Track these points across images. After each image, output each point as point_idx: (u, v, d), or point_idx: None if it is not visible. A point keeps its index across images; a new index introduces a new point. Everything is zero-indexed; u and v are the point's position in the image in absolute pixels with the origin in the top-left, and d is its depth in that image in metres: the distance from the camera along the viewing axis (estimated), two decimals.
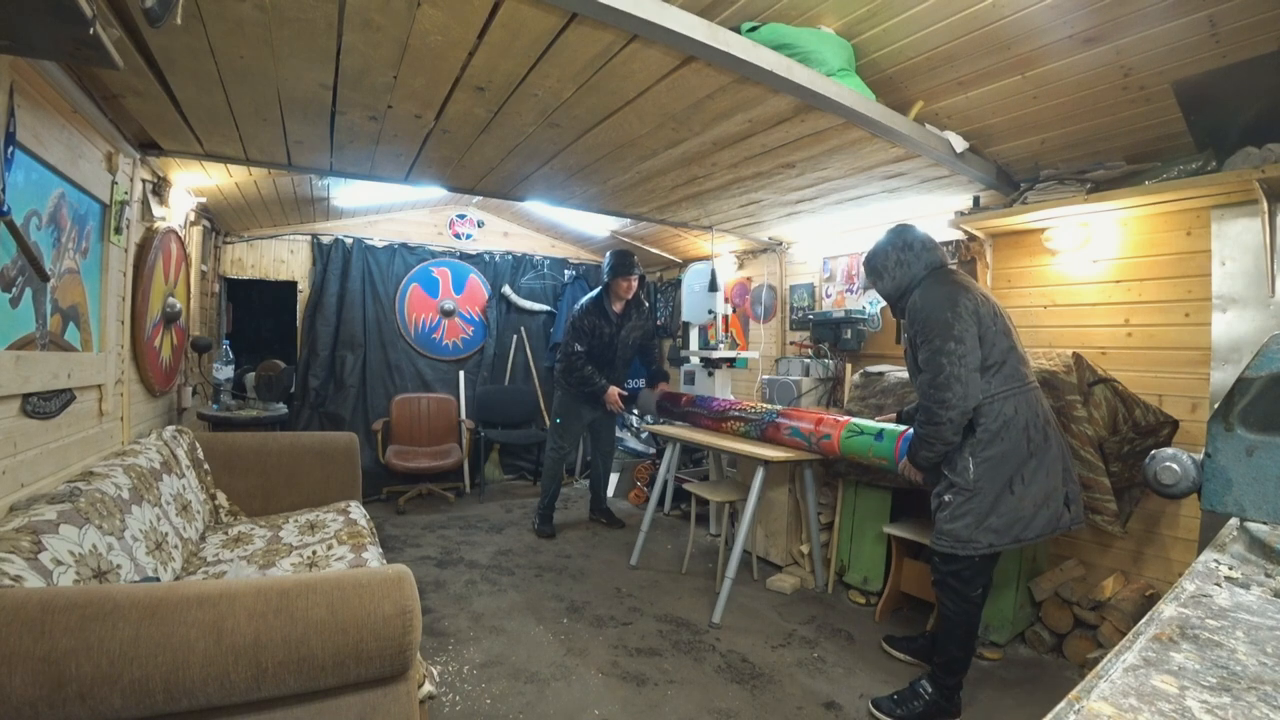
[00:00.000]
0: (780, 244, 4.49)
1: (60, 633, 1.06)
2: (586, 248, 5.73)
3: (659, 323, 5.79)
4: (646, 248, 5.23)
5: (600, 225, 4.75)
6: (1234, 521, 1.19)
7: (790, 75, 1.83)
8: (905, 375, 3.07)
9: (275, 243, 4.60)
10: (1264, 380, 1.19)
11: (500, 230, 5.44)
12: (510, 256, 5.38)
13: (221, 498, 2.70)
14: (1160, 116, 2.27)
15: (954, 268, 2.20)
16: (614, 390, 3.77)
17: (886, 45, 2.16)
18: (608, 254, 3.90)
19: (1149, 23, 1.85)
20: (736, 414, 3.26)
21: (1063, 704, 0.58)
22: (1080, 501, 2.11)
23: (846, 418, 2.77)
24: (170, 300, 2.93)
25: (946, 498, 2.05)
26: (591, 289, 4.14)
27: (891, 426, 2.52)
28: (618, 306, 3.86)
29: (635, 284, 3.84)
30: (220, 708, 1.19)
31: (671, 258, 5.41)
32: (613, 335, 3.85)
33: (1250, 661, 0.68)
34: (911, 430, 2.18)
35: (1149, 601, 2.37)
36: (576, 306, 3.94)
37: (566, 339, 3.91)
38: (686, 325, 4.49)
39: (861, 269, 3.89)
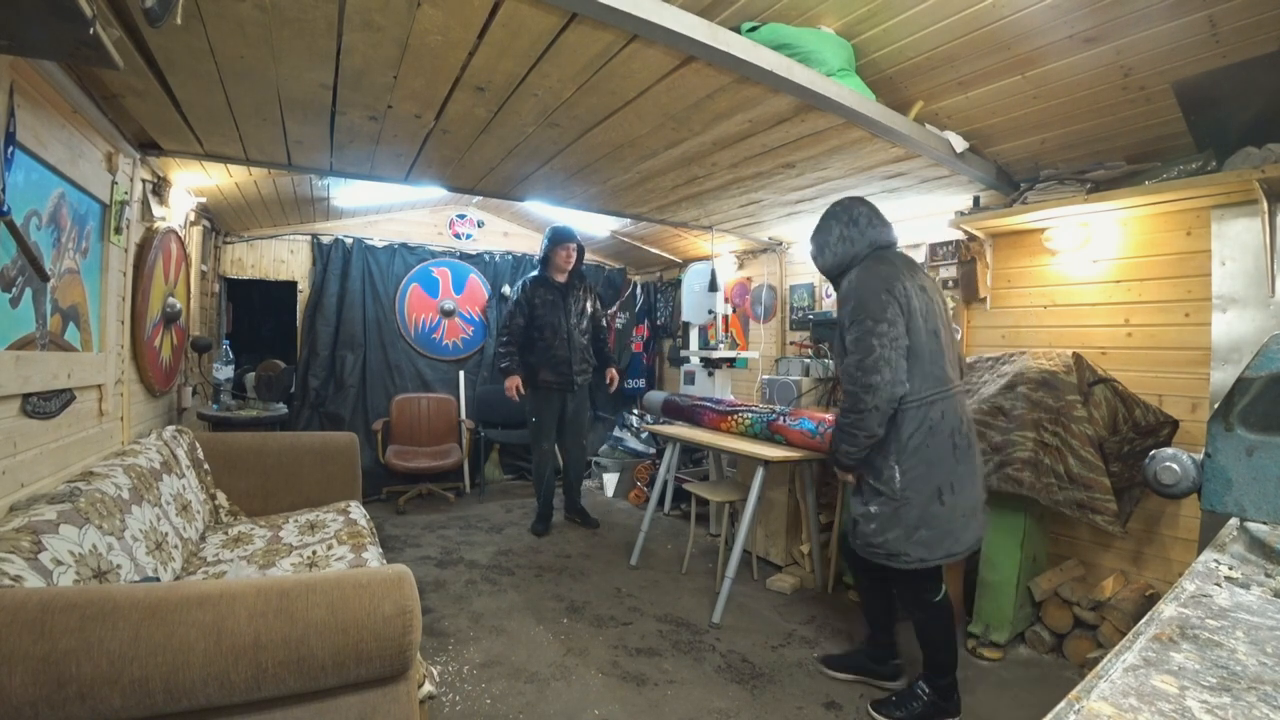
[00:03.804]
0: (780, 244, 4.49)
1: (60, 633, 1.06)
2: (587, 248, 5.72)
3: (659, 322, 5.80)
4: (646, 248, 5.23)
5: (600, 225, 4.76)
6: (1234, 521, 1.19)
7: (790, 75, 1.83)
8: None
9: (275, 243, 4.60)
10: (1264, 380, 1.19)
11: (500, 230, 5.44)
12: (510, 256, 5.38)
13: (221, 498, 2.70)
14: (1160, 116, 2.27)
15: (899, 250, 2.11)
16: (514, 380, 3.79)
17: (886, 45, 2.17)
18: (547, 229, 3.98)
19: (1149, 23, 1.85)
20: (744, 410, 3.28)
21: (1063, 704, 0.58)
22: (980, 515, 2.03)
23: None
24: (170, 300, 2.93)
25: (873, 509, 1.97)
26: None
27: None
28: (560, 278, 3.91)
29: (574, 253, 3.89)
30: (220, 708, 1.19)
31: (671, 258, 5.41)
32: (557, 302, 3.86)
33: (1250, 661, 0.68)
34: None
35: (1149, 601, 2.37)
36: (517, 283, 4.04)
37: (507, 313, 3.98)
38: (686, 325, 4.49)
39: None
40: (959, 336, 2.08)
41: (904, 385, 1.86)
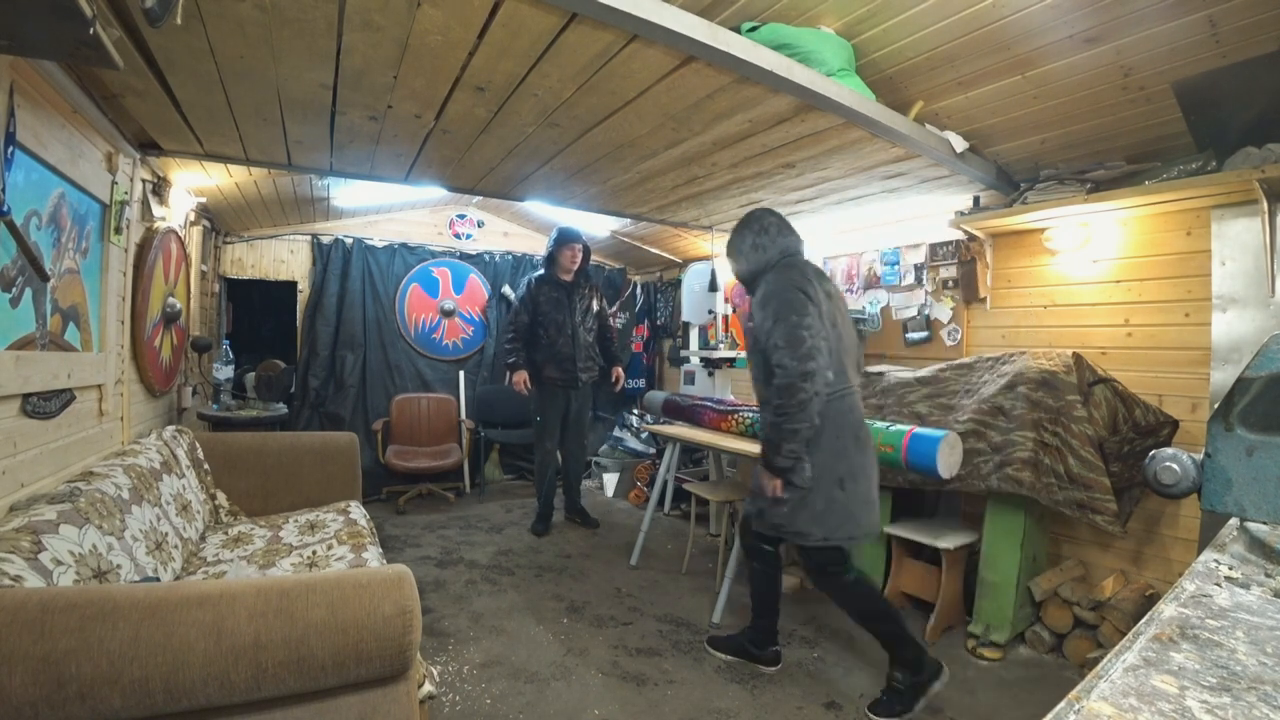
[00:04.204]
0: None
1: (60, 633, 1.06)
2: None
3: (659, 322, 5.80)
4: (646, 248, 5.23)
5: (600, 225, 4.75)
6: (1234, 521, 1.19)
7: (790, 75, 1.83)
8: (905, 375, 3.07)
9: (275, 243, 4.60)
10: (1264, 380, 1.19)
11: (500, 230, 5.44)
12: (510, 256, 5.38)
13: (221, 498, 2.70)
14: (1160, 116, 2.27)
15: (806, 259, 2.24)
16: (521, 374, 3.81)
17: (886, 45, 2.17)
18: (554, 229, 4.00)
19: (1149, 23, 1.85)
20: (744, 409, 3.28)
21: (1063, 704, 0.58)
22: (876, 505, 2.16)
23: None
24: (170, 300, 2.93)
25: (785, 494, 2.07)
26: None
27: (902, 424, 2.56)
28: (566, 278, 3.93)
29: (579, 254, 3.91)
30: (220, 708, 1.19)
31: (671, 258, 5.41)
32: (562, 300, 3.88)
33: (1250, 661, 0.68)
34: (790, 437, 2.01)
35: (1149, 601, 2.37)
36: (522, 281, 4.09)
37: (512, 310, 4.03)
38: (686, 325, 4.49)
39: (859, 268, 3.91)
40: (854, 337, 2.23)
41: (828, 376, 2.00)
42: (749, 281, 2.26)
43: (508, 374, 3.92)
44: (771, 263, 2.18)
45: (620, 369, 4.16)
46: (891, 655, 2.11)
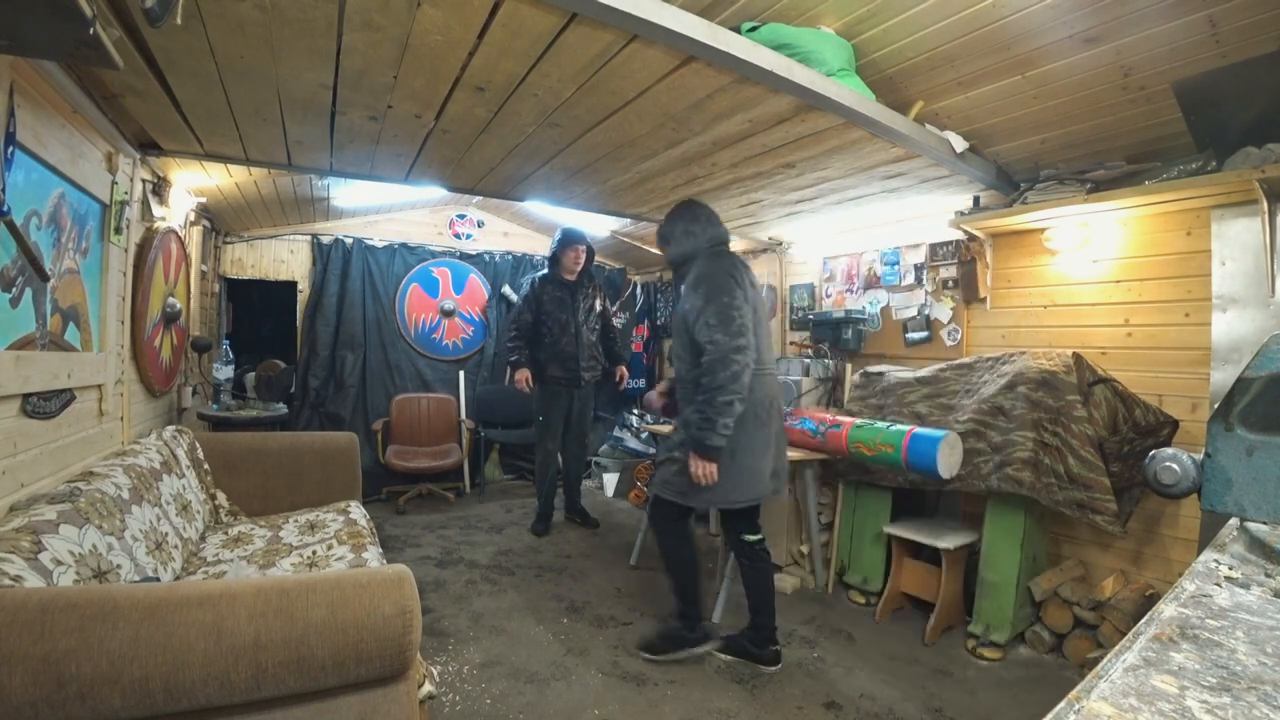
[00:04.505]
0: (780, 244, 4.49)
1: (60, 633, 1.06)
2: None
3: (659, 322, 5.80)
4: (646, 248, 5.23)
5: (600, 225, 4.75)
6: (1234, 521, 1.19)
7: (790, 75, 1.83)
8: (905, 375, 3.07)
9: (275, 243, 4.60)
10: (1264, 380, 1.19)
11: (500, 230, 5.44)
12: (510, 256, 5.38)
13: (221, 498, 2.70)
14: (1160, 116, 2.27)
15: (732, 250, 2.41)
16: (523, 373, 3.82)
17: (886, 45, 2.17)
18: (558, 230, 4.00)
19: (1149, 23, 1.85)
20: None
21: (1063, 704, 0.58)
22: (783, 476, 2.39)
23: (851, 419, 2.78)
24: (170, 300, 2.93)
25: (677, 454, 2.27)
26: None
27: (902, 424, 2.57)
28: (569, 278, 3.95)
29: (583, 255, 3.92)
30: (220, 708, 1.19)
31: None
32: (565, 299, 3.90)
33: (1250, 661, 0.68)
34: (704, 420, 2.12)
35: (1149, 601, 2.37)
36: (525, 280, 4.12)
37: (515, 309, 4.05)
38: None
39: (859, 268, 3.91)
40: (767, 328, 2.41)
41: (755, 356, 2.16)
42: (679, 265, 2.42)
43: (509, 372, 3.92)
44: (701, 249, 2.34)
45: (624, 368, 4.19)
46: (680, 600, 2.41)
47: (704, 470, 2.15)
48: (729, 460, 2.17)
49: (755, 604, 2.40)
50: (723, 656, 2.42)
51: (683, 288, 2.32)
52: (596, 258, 5.70)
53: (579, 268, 3.95)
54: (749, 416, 2.18)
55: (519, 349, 3.87)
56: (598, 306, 4.05)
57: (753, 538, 2.39)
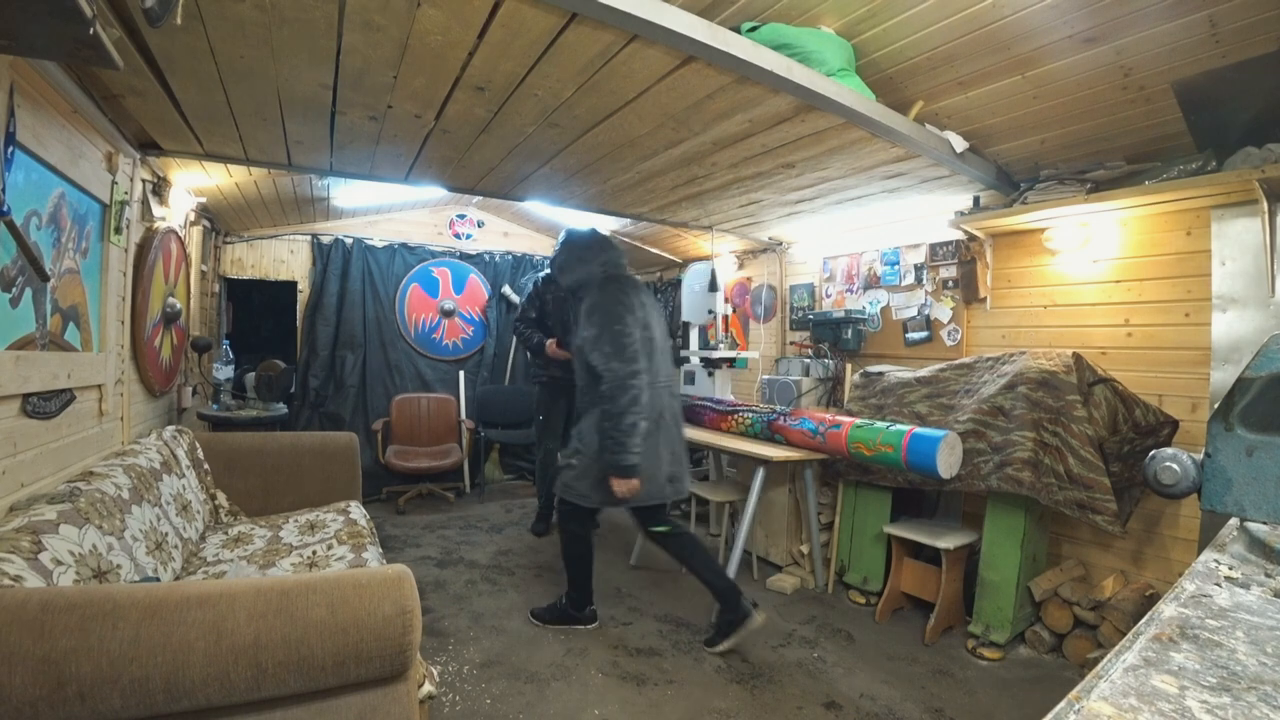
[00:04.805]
0: (780, 244, 4.49)
1: (60, 633, 1.06)
2: None
3: None
4: (646, 248, 5.23)
5: (600, 225, 4.75)
6: (1234, 521, 1.19)
7: (790, 75, 1.83)
8: (905, 375, 3.07)
9: (275, 243, 4.60)
10: (1264, 380, 1.19)
11: (500, 230, 5.44)
12: (510, 256, 5.38)
13: (221, 498, 2.70)
14: (1160, 116, 2.27)
15: (629, 275, 2.58)
16: (552, 342, 3.83)
17: (886, 45, 2.16)
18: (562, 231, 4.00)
19: (1149, 23, 1.85)
20: (745, 409, 3.29)
21: (1063, 704, 0.58)
22: (682, 480, 2.54)
23: (851, 419, 2.78)
24: (170, 300, 2.93)
25: (574, 461, 2.48)
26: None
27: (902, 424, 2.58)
28: None
29: None
30: (220, 708, 1.19)
31: (671, 258, 5.41)
32: (567, 299, 3.88)
33: (1250, 661, 0.68)
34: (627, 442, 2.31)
35: (1149, 601, 2.37)
36: (529, 279, 4.14)
37: (521, 306, 4.07)
38: (686, 325, 4.48)
39: (859, 268, 3.91)
40: (666, 339, 2.64)
41: (648, 379, 2.36)
42: (573, 291, 2.62)
43: (532, 355, 3.95)
44: (595, 275, 2.52)
45: None
46: (571, 586, 2.64)
47: (627, 488, 2.33)
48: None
49: (703, 577, 2.51)
50: (547, 626, 2.66)
51: (580, 314, 2.49)
52: None
53: None
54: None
55: (534, 331, 3.91)
56: None
57: (660, 529, 2.56)
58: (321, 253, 4.65)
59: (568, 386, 3.92)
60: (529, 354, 4.19)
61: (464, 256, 5.21)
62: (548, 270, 3.99)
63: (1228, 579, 0.94)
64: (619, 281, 2.48)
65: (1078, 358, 2.50)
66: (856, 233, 3.88)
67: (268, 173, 3.17)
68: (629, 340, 2.31)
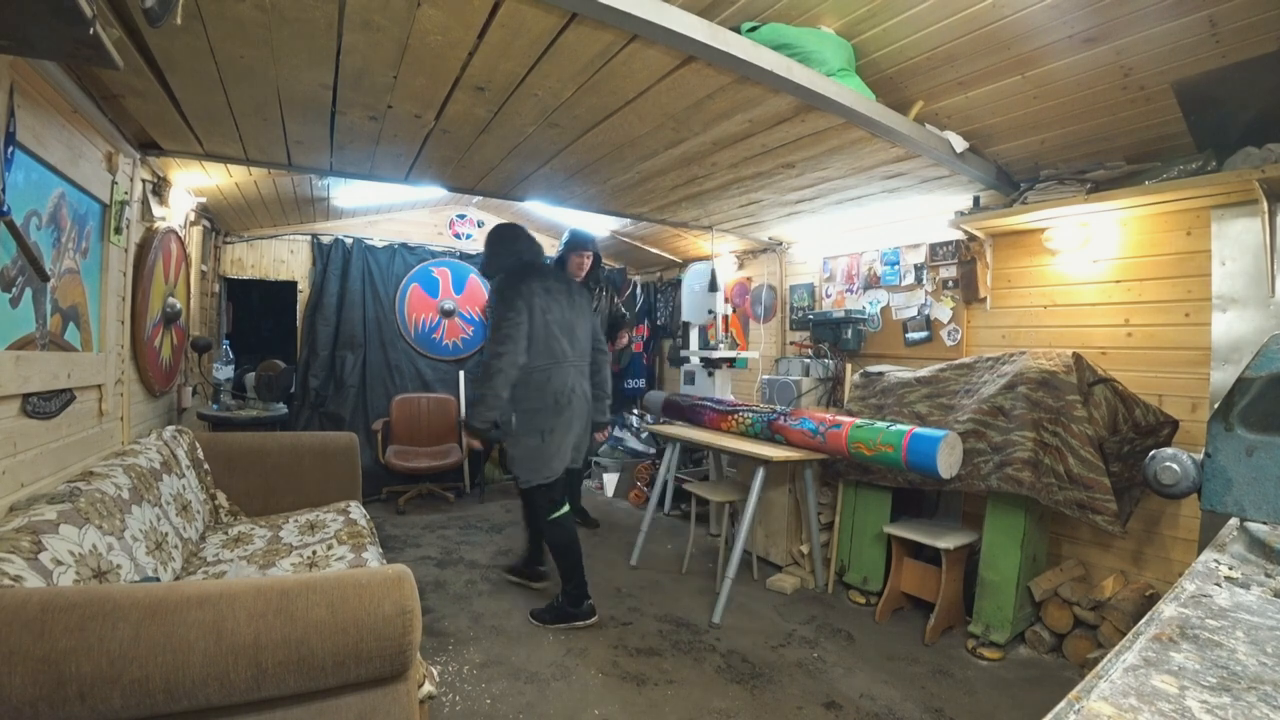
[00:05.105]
0: (780, 244, 4.49)
1: (60, 633, 1.06)
2: None
3: (659, 322, 5.80)
4: (646, 248, 5.23)
5: (600, 225, 4.75)
6: (1234, 521, 1.19)
7: (790, 75, 1.83)
8: (905, 375, 3.07)
9: (275, 243, 4.60)
10: (1264, 380, 1.19)
11: None
12: None
13: (221, 498, 2.70)
14: (1160, 116, 2.27)
15: (544, 266, 2.89)
16: None
17: (886, 45, 2.16)
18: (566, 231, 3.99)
19: (1149, 23, 1.85)
20: (745, 409, 3.29)
21: (1063, 704, 0.58)
22: (584, 448, 2.86)
23: (851, 419, 2.78)
24: (170, 300, 2.93)
25: (510, 450, 2.73)
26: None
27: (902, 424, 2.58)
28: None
29: (587, 262, 3.87)
30: (220, 708, 1.19)
31: (671, 258, 5.41)
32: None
33: (1250, 661, 0.68)
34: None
35: (1149, 601, 2.37)
36: None
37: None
38: (686, 325, 4.49)
39: (859, 268, 3.91)
40: (584, 324, 2.89)
41: (522, 358, 2.59)
42: (490, 276, 2.93)
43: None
44: (506, 265, 2.79)
45: (623, 335, 4.15)
46: (565, 583, 2.69)
47: (475, 442, 2.78)
48: (542, 441, 2.64)
49: (564, 571, 2.71)
50: (548, 626, 2.69)
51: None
52: None
53: (583, 273, 3.92)
54: (550, 404, 2.65)
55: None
56: (601, 307, 4.02)
57: (558, 514, 2.71)
58: (321, 253, 4.65)
59: None
60: None
61: (464, 256, 5.21)
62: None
63: (1228, 579, 0.94)
64: (523, 271, 2.73)
65: (1078, 358, 2.50)
66: (856, 233, 3.88)
67: (268, 173, 3.17)
68: (506, 324, 2.57)
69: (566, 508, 2.75)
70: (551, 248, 5.68)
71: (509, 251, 2.81)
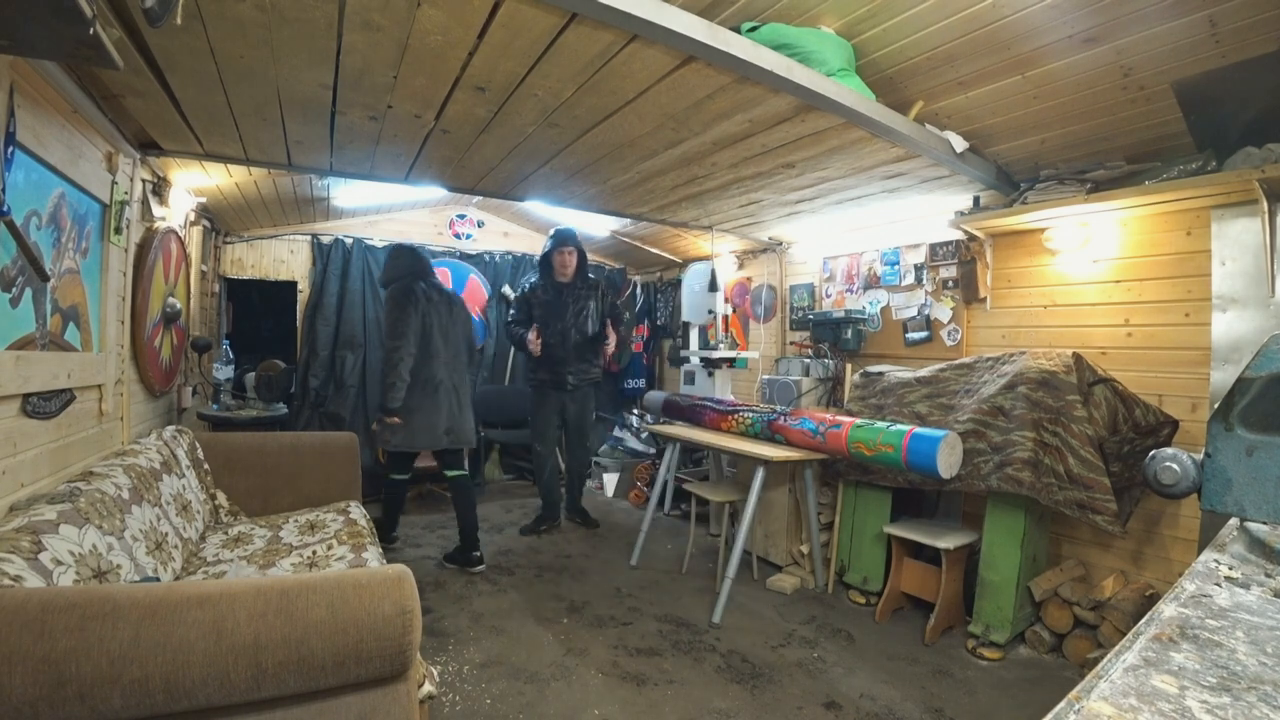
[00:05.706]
0: (780, 244, 4.49)
1: (60, 633, 1.06)
2: (587, 248, 5.72)
3: (659, 322, 5.80)
4: (646, 248, 5.23)
5: (600, 225, 4.75)
6: (1234, 521, 1.19)
7: (790, 75, 1.83)
8: (905, 375, 3.07)
9: (275, 243, 4.60)
10: (1264, 380, 1.19)
11: (500, 230, 5.44)
12: (510, 256, 5.38)
13: (221, 498, 2.70)
14: (1160, 116, 2.27)
15: (432, 280, 3.43)
16: (534, 332, 3.87)
17: (886, 45, 2.17)
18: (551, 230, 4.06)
19: (1149, 23, 1.85)
20: (745, 409, 3.30)
21: (1063, 704, 0.58)
22: (459, 433, 3.36)
23: (851, 419, 2.78)
24: (170, 300, 2.93)
25: (374, 424, 3.33)
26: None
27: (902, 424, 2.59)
28: (563, 280, 3.96)
29: (571, 259, 3.88)
30: (220, 708, 1.18)
31: (671, 258, 5.41)
32: (553, 302, 3.91)
33: (1250, 661, 0.68)
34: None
35: (1149, 601, 2.37)
36: (524, 280, 4.25)
37: (513, 302, 4.19)
38: (686, 325, 4.49)
39: (859, 268, 3.91)
40: (458, 334, 3.49)
41: (414, 348, 3.18)
42: (385, 286, 3.47)
43: (512, 353, 4.03)
44: (399, 277, 3.35)
45: (612, 335, 3.97)
46: (380, 529, 3.18)
47: (390, 421, 3.19)
48: (408, 416, 3.20)
49: (461, 525, 3.30)
50: (449, 566, 3.34)
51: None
52: (597, 258, 5.74)
53: (569, 270, 3.92)
54: (418, 388, 3.22)
55: (520, 327, 3.94)
56: (592, 307, 3.99)
57: (453, 473, 3.39)
58: (321, 253, 4.65)
59: (555, 389, 3.92)
60: (509, 340, 4.32)
61: (464, 256, 5.21)
62: (537, 274, 4.03)
63: (1228, 579, 0.94)
64: (408, 285, 3.30)
65: (1078, 358, 2.50)
66: (856, 233, 3.88)
67: (268, 173, 3.17)
68: (400, 323, 3.16)
69: (408, 476, 3.51)
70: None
71: (405, 267, 3.39)
